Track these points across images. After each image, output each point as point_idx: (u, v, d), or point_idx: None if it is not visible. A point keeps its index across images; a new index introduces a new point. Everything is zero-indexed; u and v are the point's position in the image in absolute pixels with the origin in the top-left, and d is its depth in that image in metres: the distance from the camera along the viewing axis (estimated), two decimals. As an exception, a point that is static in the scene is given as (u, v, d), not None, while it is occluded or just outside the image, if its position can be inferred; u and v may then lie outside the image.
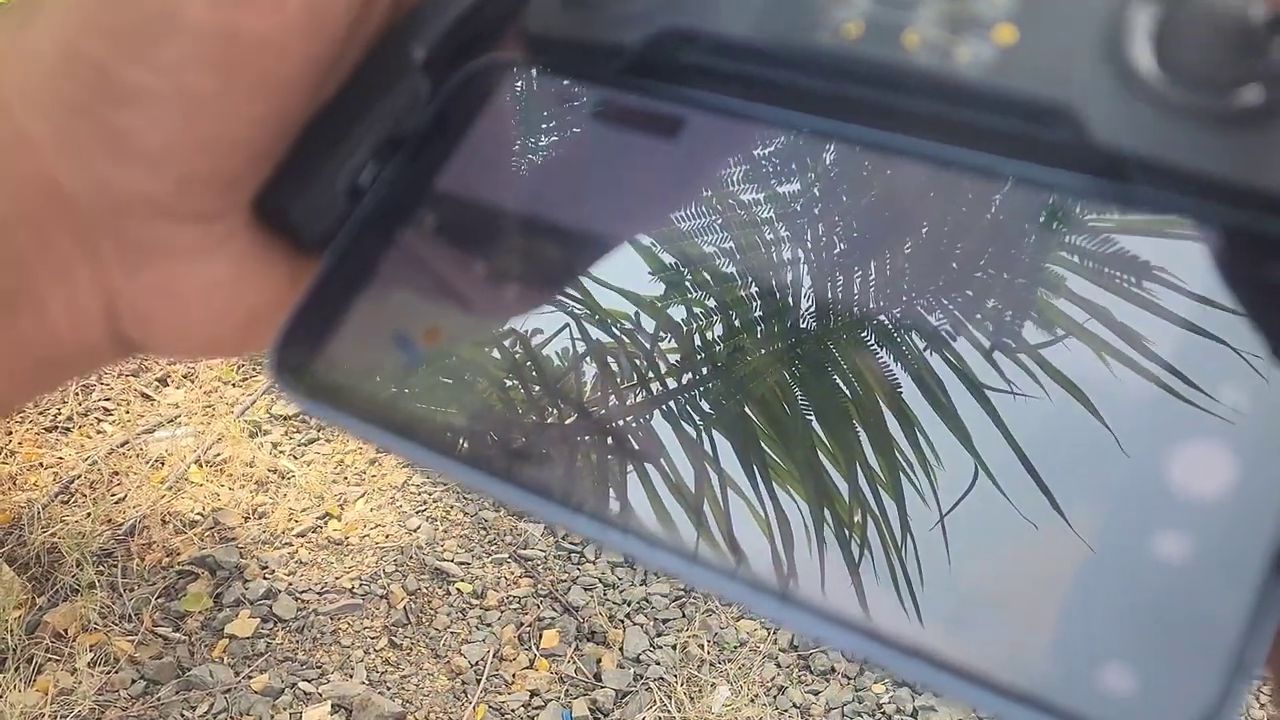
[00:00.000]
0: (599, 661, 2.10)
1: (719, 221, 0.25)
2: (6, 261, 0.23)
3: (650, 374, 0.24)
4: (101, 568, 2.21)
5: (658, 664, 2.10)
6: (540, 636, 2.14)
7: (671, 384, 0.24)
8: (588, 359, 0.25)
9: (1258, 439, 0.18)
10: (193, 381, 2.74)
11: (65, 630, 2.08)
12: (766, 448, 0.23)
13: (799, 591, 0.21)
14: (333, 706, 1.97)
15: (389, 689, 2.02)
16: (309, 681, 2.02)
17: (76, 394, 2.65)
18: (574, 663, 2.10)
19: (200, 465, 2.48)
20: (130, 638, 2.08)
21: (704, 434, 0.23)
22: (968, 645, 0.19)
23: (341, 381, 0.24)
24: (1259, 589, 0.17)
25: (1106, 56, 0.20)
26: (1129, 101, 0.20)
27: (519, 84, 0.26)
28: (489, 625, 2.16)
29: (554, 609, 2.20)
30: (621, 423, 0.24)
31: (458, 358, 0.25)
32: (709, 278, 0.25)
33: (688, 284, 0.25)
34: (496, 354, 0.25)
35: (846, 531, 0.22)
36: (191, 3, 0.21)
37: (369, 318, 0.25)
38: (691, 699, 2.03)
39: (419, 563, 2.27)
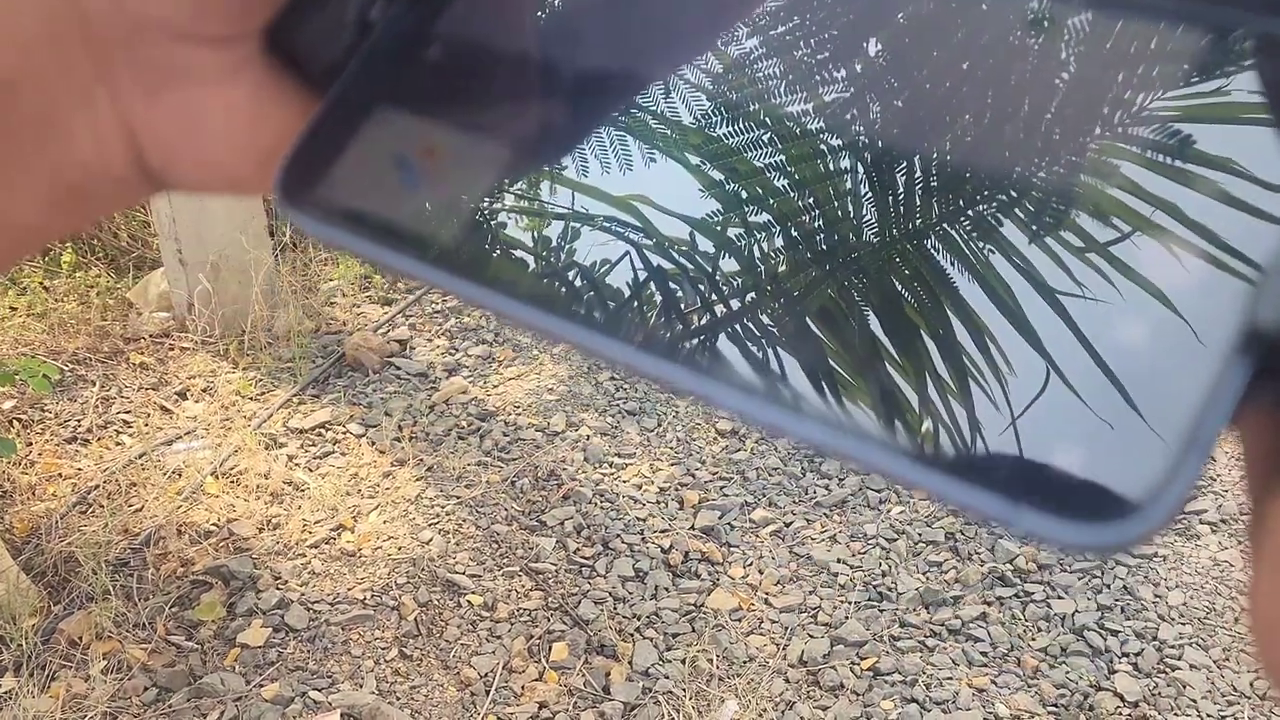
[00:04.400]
0: (608, 675, 2.10)
1: (766, 136, 0.24)
2: (32, 82, 0.24)
3: (713, 295, 0.25)
4: (117, 576, 2.23)
5: (666, 678, 2.10)
6: (550, 649, 2.15)
7: (735, 305, 0.24)
8: (650, 285, 0.25)
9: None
10: (211, 395, 2.77)
11: (79, 638, 2.10)
12: (834, 363, 0.23)
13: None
14: (342, 715, 1.98)
15: (398, 699, 2.03)
16: (319, 690, 2.03)
17: (96, 406, 2.68)
18: (583, 675, 2.10)
19: (216, 477, 2.50)
20: (144, 645, 2.10)
21: (770, 353, 0.23)
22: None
23: (345, 201, 0.25)
24: (1218, 369, 0.17)
25: None
26: None
27: None
28: (499, 637, 2.17)
29: (564, 622, 2.21)
30: (689, 345, 0.24)
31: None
32: (762, 191, 0.25)
33: (742, 198, 0.25)
34: (564, 290, 0.25)
35: (919, 440, 0.21)
36: None
37: (373, 142, 0.26)
38: (700, 713, 2.03)
39: (430, 575, 2.28)
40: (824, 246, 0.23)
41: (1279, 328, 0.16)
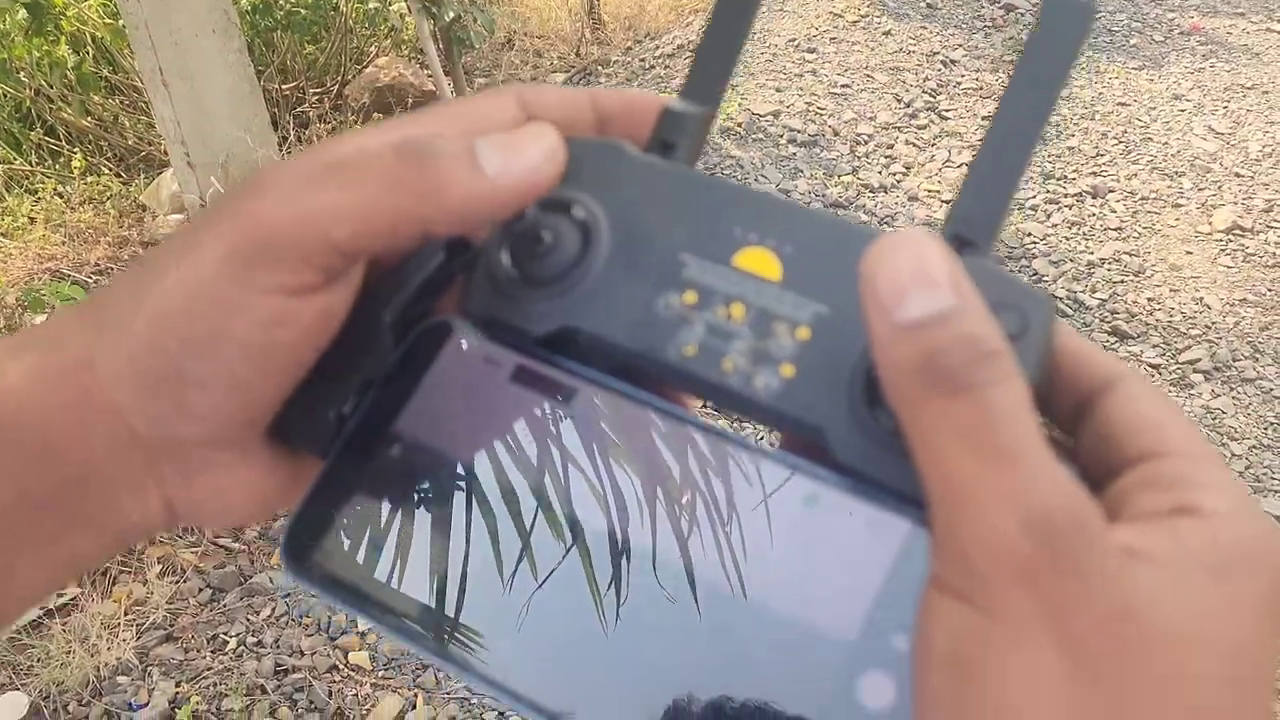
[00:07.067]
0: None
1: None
2: (98, 478, 0.33)
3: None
4: (162, 484, 2.35)
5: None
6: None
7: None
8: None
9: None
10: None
11: (134, 545, 2.24)
12: (606, 428, 0.32)
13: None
14: (384, 606, 2.12)
15: (435, 587, 2.17)
16: (361, 583, 2.17)
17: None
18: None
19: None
20: (194, 550, 2.24)
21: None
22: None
23: (334, 570, 0.33)
24: None
25: (849, 401, 0.30)
26: (862, 435, 0.29)
27: (457, 344, 0.35)
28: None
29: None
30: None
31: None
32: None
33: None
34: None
35: (676, 509, 0.31)
36: (242, 324, 0.31)
37: (351, 520, 0.34)
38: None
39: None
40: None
41: None
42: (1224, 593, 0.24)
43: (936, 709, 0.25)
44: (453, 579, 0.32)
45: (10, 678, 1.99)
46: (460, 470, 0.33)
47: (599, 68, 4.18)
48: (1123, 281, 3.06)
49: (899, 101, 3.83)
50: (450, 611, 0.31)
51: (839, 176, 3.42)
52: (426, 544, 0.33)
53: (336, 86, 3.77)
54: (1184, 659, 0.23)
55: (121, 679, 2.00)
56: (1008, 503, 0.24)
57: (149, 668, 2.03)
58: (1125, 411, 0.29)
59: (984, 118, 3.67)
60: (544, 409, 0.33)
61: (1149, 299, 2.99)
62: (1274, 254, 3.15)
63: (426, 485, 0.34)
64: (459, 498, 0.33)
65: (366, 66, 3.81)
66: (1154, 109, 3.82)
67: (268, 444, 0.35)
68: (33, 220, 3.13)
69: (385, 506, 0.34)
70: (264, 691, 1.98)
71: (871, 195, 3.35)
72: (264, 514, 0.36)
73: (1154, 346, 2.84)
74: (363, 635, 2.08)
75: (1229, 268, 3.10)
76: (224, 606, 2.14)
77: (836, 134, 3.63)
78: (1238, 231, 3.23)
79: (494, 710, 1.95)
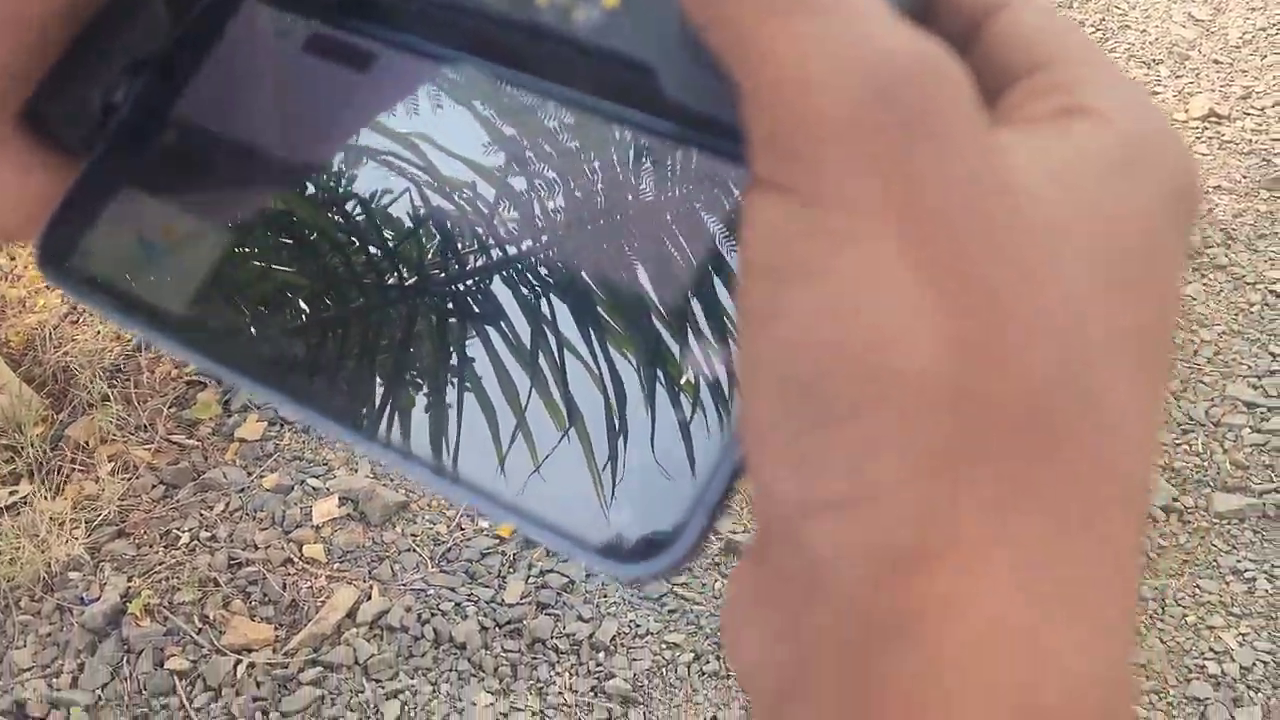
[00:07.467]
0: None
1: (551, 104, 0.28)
2: None
3: (490, 240, 0.28)
4: (114, 382, 2.32)
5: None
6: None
7: (511, 250, 0.28)
8: (429, 223, 0.29)
9: None
10: (185, 196, 2.79)
11: (86, 442, 2.21)
12: (602, 312, 0.27)
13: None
14: (340, 499, 2.10)
15: (392, 481, 2.15)
16: (317, 478, 2.15)
17: (73, 216, 2.71)
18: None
19: (199, 279, 2.56)
20: (147, 446, 2.21)
21: (542, 298, 0.27)
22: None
23: (95, 271, 0.29)
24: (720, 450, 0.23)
25: (682, 31, 0.25)
26: (696, 68, 0.25)
27: (244, 17, 0.30)
28: (483, 417, 2.27)
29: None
30: (462, 286, 0.28)
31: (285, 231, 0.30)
32: (550, 150, 0.28)
33: (529, 155, 0.28)
34: (339, 219, 0.29)
35: (677, 389, 0.26)
36: None
37: (118, 216, 0.30)
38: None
39: (413, 361, 2.37)
40: (601, 205, 0.27)
41: None
42: (1119, 190, 0.20)
43: (749, 324, 0.20)
44: (229, 270, 0.29)
45: (-41, 574, 1.97)
46: (251, 160, 0.30)
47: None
48: (1096, 170, 3.01)
49: None
50: (231, 302, 0.29)
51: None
52: (207, 241, 0.29)
53: None
54: (1068, 258, 0.19)
55: (73, 574, 1.98)
56: (834, 58, 0.19)
57: (100, 563, 2.01)
58: (1013, 29, 0.24)
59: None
60: (341, 78, 0.29)
61: (1122, 187, 2.95)
62: (1250, 141, 3.09)
63: (209, 177, 0.30)
64: (246, 189, 0.30)
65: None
66: (1133, -4, 3.73)
67: (26, 136, 0.30)
68: None
69: (159, 202, 0.30)
70: (217, 585, 1.96)
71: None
72: (32, 226, 0.31)
73: (1125, 235, 2.80)
74: (318, 529, 2.06)
75: (1204, 155, 3.05)
76: (177, 502, 2.12)
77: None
78: (1214, 119, 3.17)
79: (451, 600, 1.94)
